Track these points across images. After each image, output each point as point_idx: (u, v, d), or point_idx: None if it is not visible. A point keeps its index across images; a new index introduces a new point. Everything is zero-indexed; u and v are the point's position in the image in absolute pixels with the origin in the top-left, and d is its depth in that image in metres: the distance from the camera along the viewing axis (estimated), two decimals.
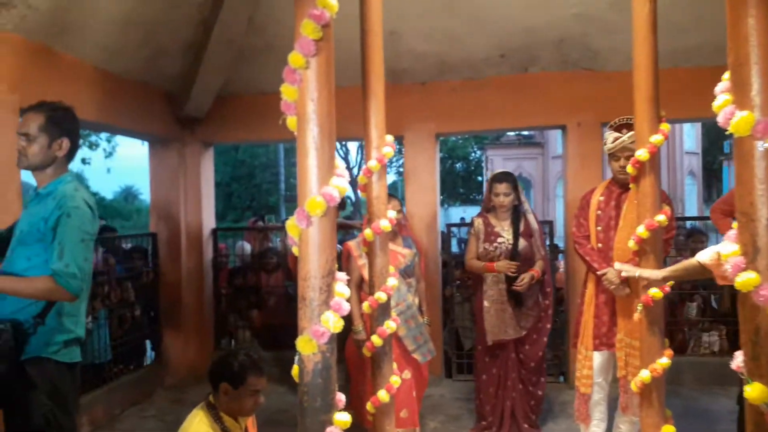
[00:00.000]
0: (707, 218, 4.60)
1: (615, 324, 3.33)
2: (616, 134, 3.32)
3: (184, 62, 4.78)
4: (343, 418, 1.70)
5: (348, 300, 1.69)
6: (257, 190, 22.92)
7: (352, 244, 3.61)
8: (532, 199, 24.69)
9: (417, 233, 4.82)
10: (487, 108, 4.87)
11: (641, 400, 2.59)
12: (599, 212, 3.42)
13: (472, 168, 32.85)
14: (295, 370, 1.71)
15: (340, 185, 1.62)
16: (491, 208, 3.88)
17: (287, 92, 1.61)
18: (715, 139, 24.85)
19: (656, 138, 2.46)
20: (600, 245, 3.39)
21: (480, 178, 31.70)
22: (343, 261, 3.65)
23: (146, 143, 5.49)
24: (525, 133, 23.67)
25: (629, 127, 3.28)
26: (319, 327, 1.61)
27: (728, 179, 23.56)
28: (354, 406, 3.64)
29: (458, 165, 30.87)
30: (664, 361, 2.51)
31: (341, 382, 4.17)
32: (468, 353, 5.10)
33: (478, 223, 3.87)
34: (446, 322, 5.26)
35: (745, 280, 1.45)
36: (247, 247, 6.82)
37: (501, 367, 3.81)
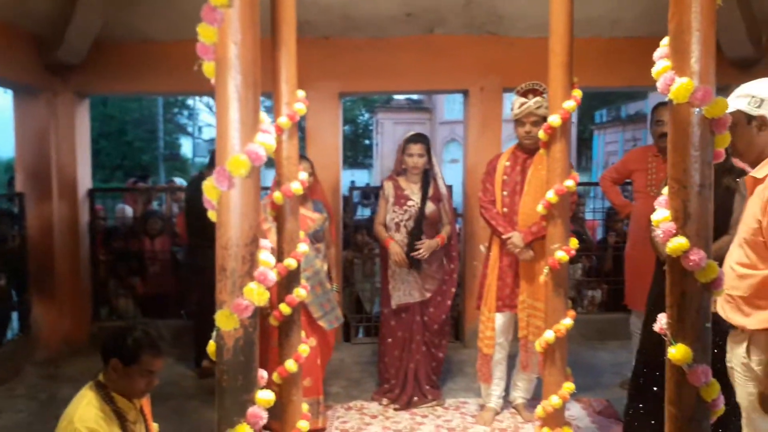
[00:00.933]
0: (582, 184, 4.84)
1: (518, 286, 3.45)
2: (523, 99, 3.37)
3: (56, 2, 4.20)
4: (266, 395, 1.58)
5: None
6: (129, 148, 21.36)
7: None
8: None
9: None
10: (393, 69, 4.75)
11: (545, 360, 2.68)
12: (505, 177, 3.48)
13: (360, 131, 32.85)
14: (211, 346, 1.55)
15: (266, 142, 1.45)
16: (402, 170, 3.82)
17: (205, 33, 1.39)
18: (586, 109, 26.60)
19: (569, 104, 2.49)
20: (505, 210, 3.46)
21: (368, 142, 31.78)
22: None
23: (9, 92, 4.83)
24: (414, 97, 23.92)
25: (535, 92, 3.35)
26: (241, 300, 1.46)
27: (597, 147, 25.43)
28: None
29: (346, 128, 30.71)
30: (567, 321, 2.61)
31: None
32: (368, 317, 5.10)
33: (389, 186, 3.80)
34: (346, 286, 5.21)
35: (675, 245, 1.47)
36: (129, 210, 6.33)
37: (406, 330, 3.81)
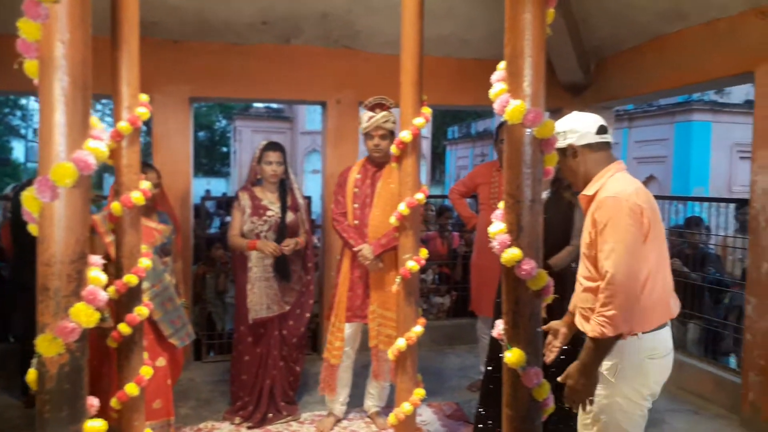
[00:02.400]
0: (433, 197, 5.09)
1: (368, 297, 3.51)
2: (370, 113, 3.45)
3: None
4: (95, 425, 1.45)
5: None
6: None
7: (97, 218, 3.13)
8: None
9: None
10: (249, 76, 4.64)
11: (396, 367, 2.74)
12: (356, 190, 3.54)
13: (217, 138, 31.70)
14: (31, 374, 1.39)
15: (98, 149, 1.33)
16: (257, 180, 3.73)
17: (27, 30, 1.26)
18: (440, 125, 27.96)
19: (419, 120, 2.58)
20: (356, 222, 3.52)
21: (225, 149, 30.72)
22: None
23: None
24: (274, 106, 23.56)
25: (382, 107, 3.46)
26: (67, 322, 1.33)
27: (449, 162, 26.80)
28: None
29: (201, 134, 29.51)
30: (418, 329, 2.69)
31: None
32: (219, 334, 4.89)
33: (244, 197, 3.67)
34: (197, 302, 4.96)
35: (509, 256, 1.58)
36: None
37: (264, 345, 3.70)
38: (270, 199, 3.68)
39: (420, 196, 2.65)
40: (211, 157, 30.39)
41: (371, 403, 3.73)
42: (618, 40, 4.68)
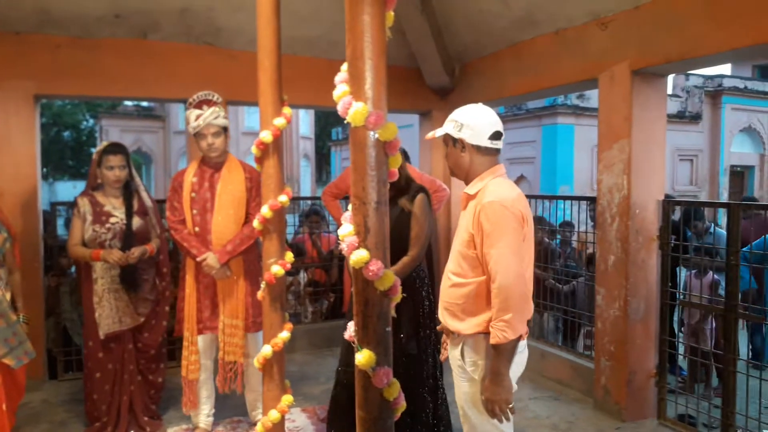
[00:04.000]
0: (318, 198, 5.07)
1: (217, 307, 3.37)
2: (198, 111, 3.28)
3: None
4: None
5: None
6: None
7: None
8: (153, 175, 23.52)
9: (10, 213, 4.00)
10: (102, 72, 4.31)
11: (264, 375, 2.67)
12: (193, 194, 3.34)
13: (84, 138, 29.58)
14: None
15: None
16: (99, 185, 3.46)
17: None
18: (325, 125, 27.98)
19: (280, 121, 2.52)
20: (197, 229, 3.32)
21: (93, 150, 28.69)
22: None
23: None
24: (145, 104, 22.32)
25: (209, 103, 3.29)
26: None
27: (335, 163, 26.86)
28: None
29: (66, 134, 27.40)
30: (285, 335, 2.63)
31: None
32: (77, 349, 4.52)
33: (84, 203, 3.40)
34: (49, 315, 4.54)
35: (358, 257, 1.56)
36: None
37: (117, 360, 3.47)
38: (114, 204, 3.44)
39: (284, 199, 2.60)
40: (77, 158, 28.26)
41: (253, 412, 3.63)
42: (479, 46, 4.90)
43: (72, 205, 3.61)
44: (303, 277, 5.58)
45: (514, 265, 2.01)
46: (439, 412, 3.08)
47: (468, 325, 2.17)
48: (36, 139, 4.33)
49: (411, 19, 4.67)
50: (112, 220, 3.39)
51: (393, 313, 1.73)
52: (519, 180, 14.24)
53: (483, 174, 2.19)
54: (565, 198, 5.40)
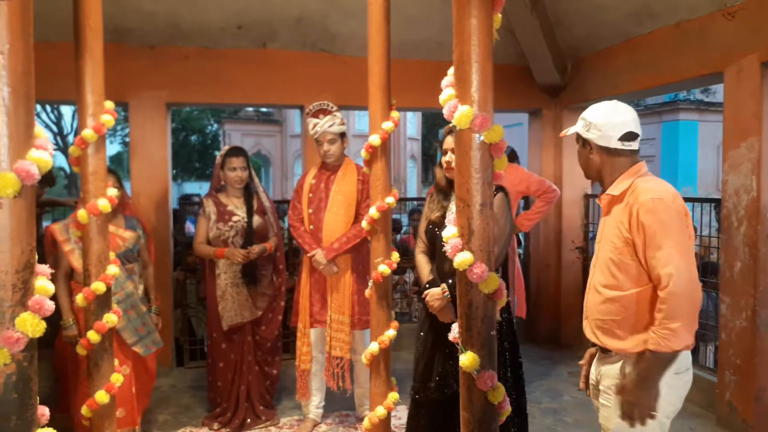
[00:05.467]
0: (424, 199, 5.11)
1: (326, 302, 3.52)
2: (315, 120, 3.47)
3: None
4: None
5: (54, 295, 1.42)
6: None
7: (56, 227, 3.13)
8: (271, 176, 24.80)
9: (145, 212, 4.41)
10: (225, 81, 4.64)
11: (371, 372, 2.74)
12: (311, 195, 3.56)
13: (209, 141, 31.64)
14: None
15: (41, 158, 1.33)
16: (221, 186, 3.73)
17: None
18: (431, 126, 28.01)
19: (388, 125, 2.58)
20: (312, 227, 3.53)
21: (217, 153, 30.52)
22: (46, 247, 3.14)
23: None
24: (264, 109, 23.55)
25: (325, 112, 3.47)
26: (12, 332, 1.32)
27: None
28: (67, 409, 3.22)
29: (194, 138, 29.43)
30: (391, 333, 2.69)
31: (48, 383, 3.63)
32: (201, 340, 4.89)
33: (209, 203, 3.67)
34: (177, 307, 4.94)
35: (461, 259, 1.58)
36: None
37: (238, 351, 3.71)
38: (235, 204, 3.68)
39: (390, 200, 2.65)
40: (203, 160, 30.28)
41: (360, 408, 3.74)
42: (592, 41, 4.71)
43: (189, 201, 3.89)
44: (409, 276, 5.65)
45: (684, 266, 1.82)
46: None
47: (633, 343, 1.95)
48: (168, 144, 4.74)
49: (520, 17, 4.58)
50: (235, 218, 3.63)
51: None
52: None
53: (623, 175, 2.01)
54: (687, 200, 5.05)
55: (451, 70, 1.63)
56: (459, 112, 1.54)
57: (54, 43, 3.21)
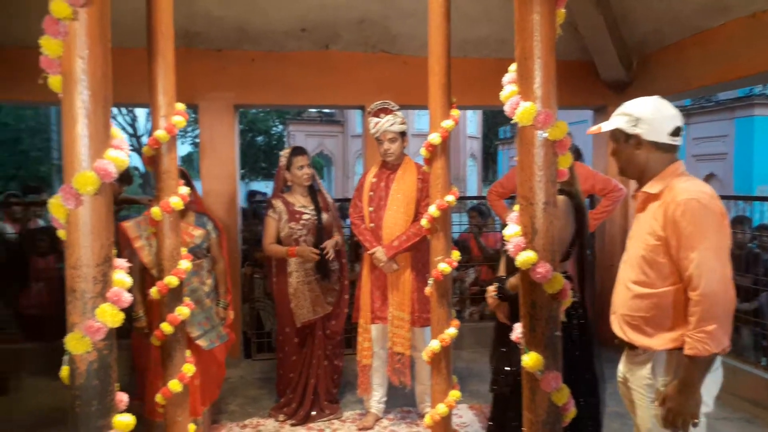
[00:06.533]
0: (484, 197, 5.08)
1: (386, 298, 3.56)
2: (376, 119, 3.52)
3: None
4: (125, 419, 1.52)
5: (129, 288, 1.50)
6: (24, 158, 19.98)
7: (128, 224, 3.28)
8: (333, 176, 25.16)
9: (214, 210, 4.57)
10: (289, 82, 4.76)
11: (432, 369, 2.74)
12: (371, 193, 3.60)
13: (274, 142, 32.41)
14: (64, 371, 1.48)
15: (118, 158, 1.40)
16: (286, 186, 3.81)
17: (49, 46, 1.34)
18: (492, 125, 27.66)
19: (447, 123, 2.57)
20: (372, 225, 3.57)
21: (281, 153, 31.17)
22: (120, 243, 3.31)
23: None
24: (326, 110, 23.90)
25: (386, 111, 3.52)
26: (93, 322, 1.40)
27: (502, 162, 26.46)
28: (143, 397, 3.37)
29: (259, 138, 30.21)
30: (452, 331, 2.68)
31: (126, 372, 3.82)
32: (268, 333, 5.02)
33: (278, 204, 3.77)
34: (245, 302, 5.10)
35: (524, 258, 1.56)
36: (8, 228, 5.89)
37: (309, 345, 3.81)
38: (302, 203, 3.77)
39: (450, 198, 2.65)
40: (269, 160, 31.03)
41: (422, 405, 3.75)
42: (660, 36, 4.53)
43: (253, 199, 3.99)
44: (471, 274, 5.61)
45: (719, 269, 1.81)
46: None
47: (660, 341, 1.97)
48: (235, 144, 4.90)
49: (584, 11, 4.47)
50: (305, 217, 3.73)
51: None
52: (708, 178, 12.88)
53: (663, 172, 2.00)
54: (763, 199, 4.79)
55: (512, 67, 1.61)
56: (521, 109, 1.52)
57: (128, 49, 3.36)
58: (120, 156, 1.41)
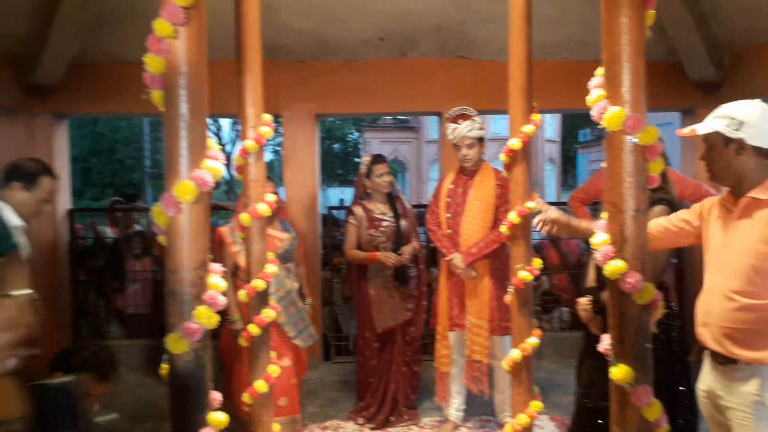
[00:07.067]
0: (564, 203, 4.93)
1: (464, 305, 3.52)
2: (454, 125, 3.49)
3: (31, 24, 4.25)
4: (218, 417, 1.60)
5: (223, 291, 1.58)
6: (119, 166, 21.38)
7: (224, 230, 3.44)
8: (408, 181, 25.29)
9: (296, 216, 4.70)
10: (367, 91, 4.84)
11: (513, 379, 2.70)
12: (449, 199, 3.58)
13: (350, 149, 32.93)
14: (164, 369, 1.57)
15: (214, 168, 1.49)
16: (366, 194, 3.87)
17: (152, 63, 1.44)
18: (571, 128, 26.90)
19: (528, 128, 2.53)
20: (449, 231, 3.54)
21: (358, 160, 31.76)
22: (215, 248, 3.47)
23: None
24: (401, 117, 24.07)
25: (464, 117, 3.48)
26: (190, 323, 1.49)
27: (581, 166, 25.68)
28: (230, 396, 3.50)
29: (336, 146, 30.81)
30: (533, 340, 2.63)
31: (215, 371, 3.97)
32: (346, 336, 5.11)
33: (360, 211, 3.84)
34: (324, 305, 5.21)
35: (613, 268, 1.52)
36: (109, 231, 6.31)
37: (389, 351, 3.85)
38: (381, 210, 3.82)
39: (531, 205, 2.60)
40: (345, 167, 31.56)
41: (501, 414, 3.71)
42: (754, 33, 4.26)
43: (339, 207, 4.07)
44: (544, 283, 5.49)
45: None
46: None
47: None
48: (316, 153, 5.03)
49: (670, 10, 4.27)
50: (384, 223, 3.79)
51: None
52: None
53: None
54: None
55: (599, 71, 1.57)
56: (609, 113, 1.48)
57: (215, 62, 3.53)
58: (216, 166, 1.49)
